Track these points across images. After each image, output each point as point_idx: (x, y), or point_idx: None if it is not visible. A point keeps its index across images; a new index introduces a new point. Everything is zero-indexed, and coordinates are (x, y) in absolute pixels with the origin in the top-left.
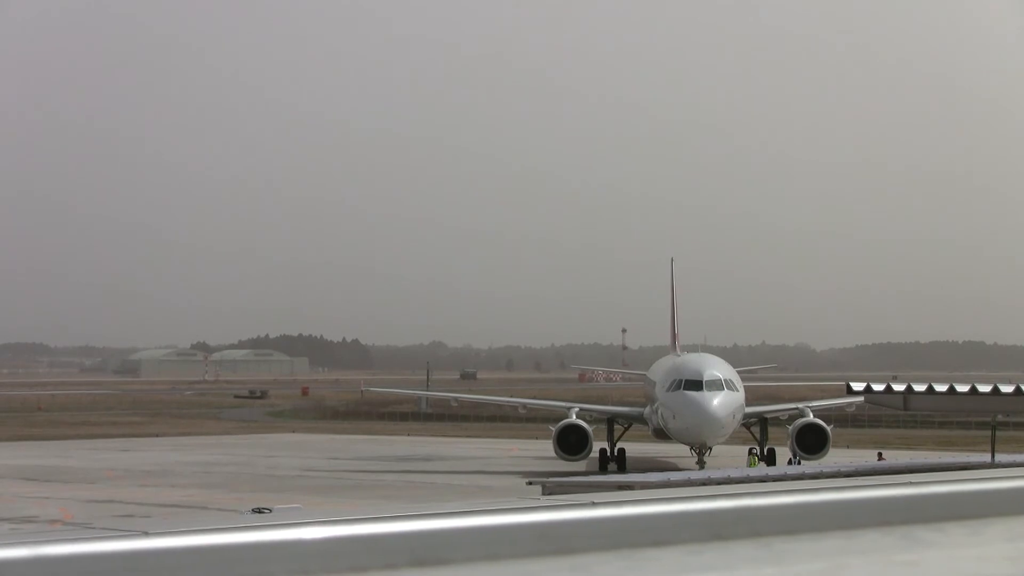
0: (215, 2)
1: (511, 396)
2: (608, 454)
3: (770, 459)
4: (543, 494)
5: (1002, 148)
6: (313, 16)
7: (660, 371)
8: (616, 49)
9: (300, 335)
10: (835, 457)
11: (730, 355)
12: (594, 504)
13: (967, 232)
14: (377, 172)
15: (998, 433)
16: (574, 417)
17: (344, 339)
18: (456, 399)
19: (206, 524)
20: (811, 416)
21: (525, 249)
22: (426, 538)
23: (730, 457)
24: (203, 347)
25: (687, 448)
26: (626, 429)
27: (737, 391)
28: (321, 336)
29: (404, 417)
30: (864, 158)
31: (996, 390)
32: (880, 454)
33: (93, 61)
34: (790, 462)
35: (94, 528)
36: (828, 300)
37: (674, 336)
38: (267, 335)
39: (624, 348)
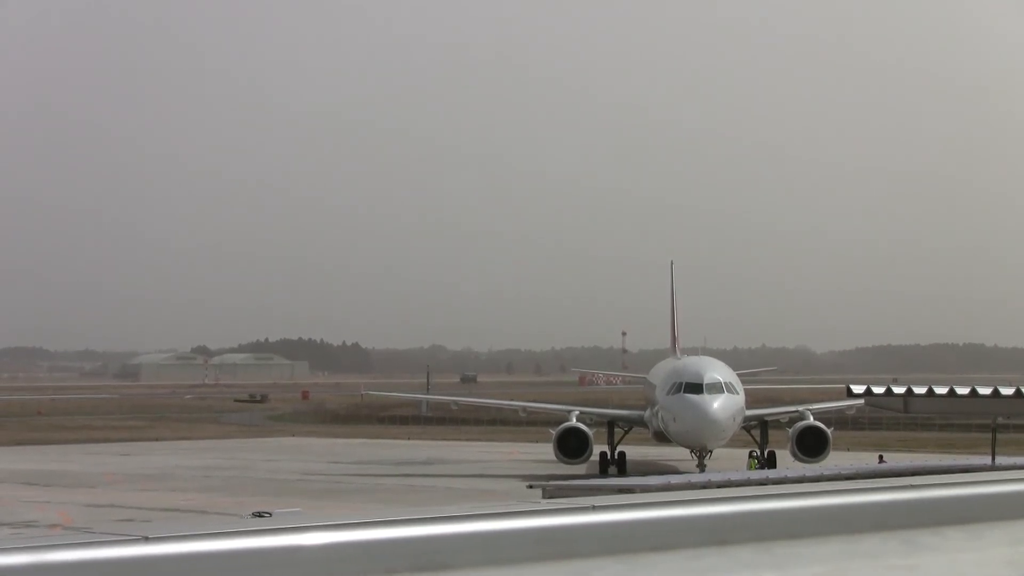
0: (214, 2)
1: (511, 399)
2: (608, 457)
3: (770, 462)
4: (543, 497)
5: (1003, 150)
6: (312, 15)
7: (660, 374)
8: (617, 50)
9: (300, 339)
10: (836, 460)
11: (730, 358)
12: (594, 508)
13: (967, 234)
14: (377, 174)
15: (999, 435)
16: (574, 420)
17: (344, 343)
18: (456, 402)
19: (206, 528)
20: (811, 419)
21: (525, 252)
22: (426, 542)
23: (731, 460)
24: (203, 351)
25: (688, 451)
26: (626, 432)
27: (737, 394)
28: (321, 340)
29: (404, 420)
30: (865, 160)
31: (996, 392)
32: (881, 457)
33: (93, 61)
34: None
35: (94, 532)
36: (828, 302)
37: (674, 339)
38: (267, 339)
39: (624, 351)
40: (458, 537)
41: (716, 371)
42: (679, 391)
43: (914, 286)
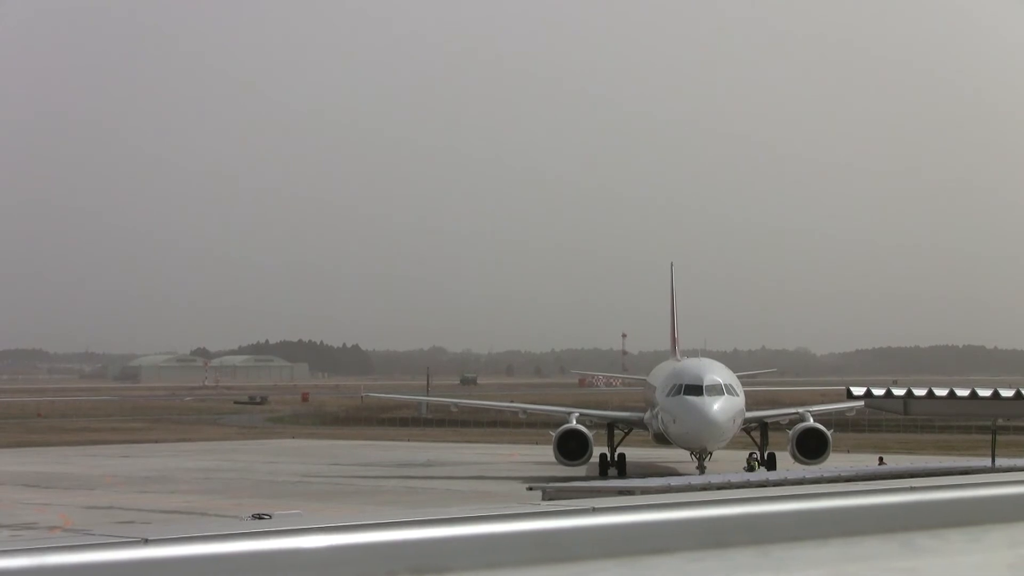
0: (215, 2)
1: (511, 401)
2: (608, 459)
3: (771, 464)
4: (543, 500)
5: (1002, 152)
6: (313, 16)
7: (660, 376)
8: (617, 50)
9: (300, 340)
10: (836, 462)
11: (730, 360)
12: (595, 510)
13: (967, 236)
14: (377, 176)
15: (999, 437)
16: (574, 422)
17: (344, 344)
18: (456, 404)
19: (206, 530)
20: (811, 420)
21: (525, 254)
22: (426, 545)
23: (731, 462)
24: (203, 353)
25: (687, 453)
26: (626, 434)
27: (737, 396)
28: (321, 341)
29: (404, 422)
30: (865, 162)
31: (996, 394)
32: (881, 459)
33: (93, 61)
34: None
35: (94, 534)
36: (828, 304)
37: (674, 341)
38: (267, 341)
39: (624, 353)
40: (458, 539)
41: (716, 373)
42: (679, 393)
43: (914, 287)
